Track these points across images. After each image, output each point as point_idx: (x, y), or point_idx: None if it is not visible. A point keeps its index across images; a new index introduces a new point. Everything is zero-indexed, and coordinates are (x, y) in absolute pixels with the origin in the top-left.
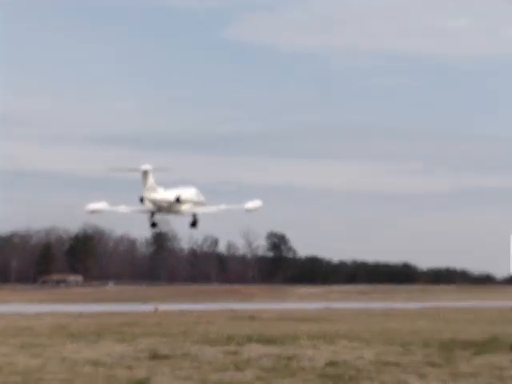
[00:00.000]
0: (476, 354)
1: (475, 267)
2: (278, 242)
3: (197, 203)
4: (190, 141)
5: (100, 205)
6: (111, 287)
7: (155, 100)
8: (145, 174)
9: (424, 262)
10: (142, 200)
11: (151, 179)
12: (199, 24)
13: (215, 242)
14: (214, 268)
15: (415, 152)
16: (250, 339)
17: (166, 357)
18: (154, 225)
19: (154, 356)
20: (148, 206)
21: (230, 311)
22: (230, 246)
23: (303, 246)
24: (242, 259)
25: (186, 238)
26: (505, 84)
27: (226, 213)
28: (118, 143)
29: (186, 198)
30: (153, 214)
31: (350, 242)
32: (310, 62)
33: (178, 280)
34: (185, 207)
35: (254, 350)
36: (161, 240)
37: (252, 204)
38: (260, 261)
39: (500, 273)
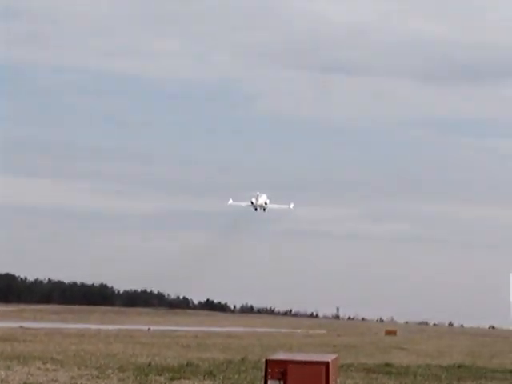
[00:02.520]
0: (172, 379)
1: (172, 291)
2: None
3: (267, 203)
4: None
5: (230, 201)
6: None
7: None
8: (256, 197)
9: (121, 283)
10: (252, 203)
11: (258, 196)
12: None
13: None
14: None
15: (121, 172)
16: None
17: None
18: (256, 209)
19: None
20: (255, 204)
21: None
22: None
23: None
24: None
25: None
26: (209, 108)
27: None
28: None
29: (266, 201)
30: (255, 206)
31: (48, 260)
32: (16, 75)
33: None
34: (265, 205)
35: None
36: None
37: (292, 205)
38: None
39: (196, 297)
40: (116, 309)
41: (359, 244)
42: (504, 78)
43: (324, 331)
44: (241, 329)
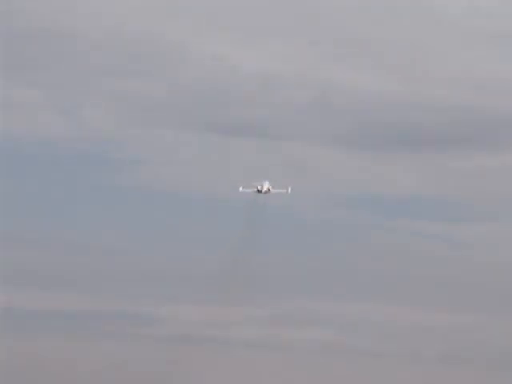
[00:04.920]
0: None
1: None
2: None
3: (270, 189)
4: None
5: (241, 188)
6: None
7: None
8: (261, 185)
9: None
10: (258, 190)
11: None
12: None
13: None
14: None
15: None
16: None
17: None
18: (259, 191)
19: None
20: (261, 191)
21: None
22: None
23: None
24: None
25: None
26: None
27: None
28: None
29: (269, 187)
30: (260, 191)
31: None
32: None
33: None
34: (269, 191)
35: None
36: None
37: (290, 189)
38: None
39: None
40: None
41: (267, 354)
42: (452, 145)
43: None
44: None
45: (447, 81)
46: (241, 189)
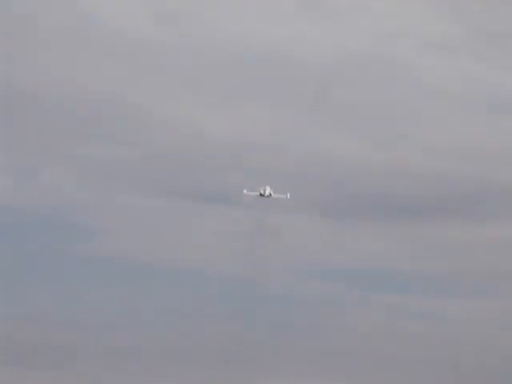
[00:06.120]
0: None
1: None
2: None
3: (271, 193)
4: None
5: (245, 190)
6: None
7: None
8: (263, 189)
9: None
10: (260, 194)
11: (265, 189)
12: None
13: None
14: None
15: None
16: None
17: None
18: (261, 195)
19: None
20: (263, 194)
21: None
22: None
23: None
24: None
25: None
26: None
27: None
28: None
29: (270, 192)
30: (262, 195)
31: None
32: None
33: None
34: (270, 195)
35: None
36: None
37: (289, 195)
38: None
39: None
40: None
41: None
42: (442, 216)
43: None
44: None
45: (424, 148)
46: (245, 191)
